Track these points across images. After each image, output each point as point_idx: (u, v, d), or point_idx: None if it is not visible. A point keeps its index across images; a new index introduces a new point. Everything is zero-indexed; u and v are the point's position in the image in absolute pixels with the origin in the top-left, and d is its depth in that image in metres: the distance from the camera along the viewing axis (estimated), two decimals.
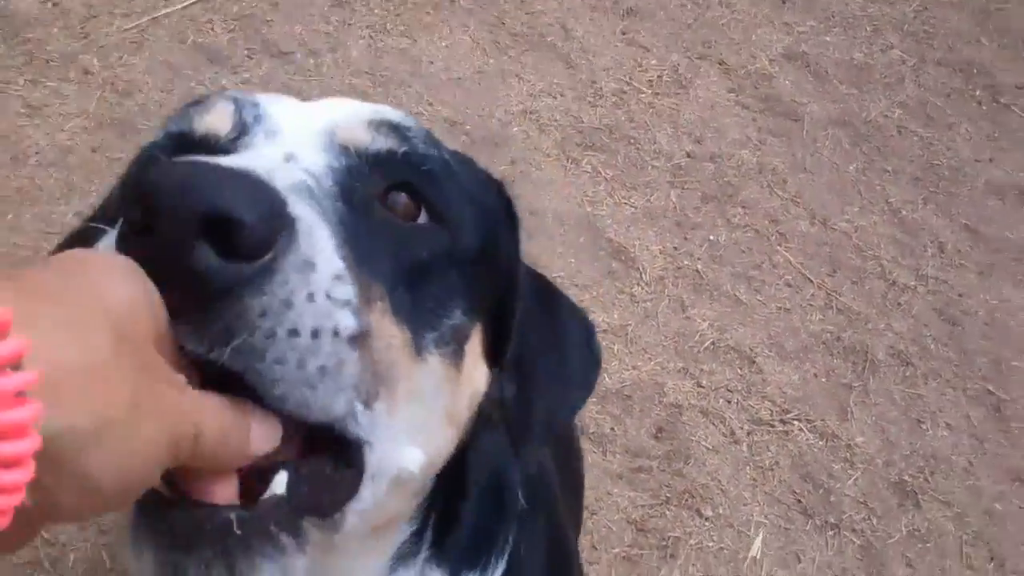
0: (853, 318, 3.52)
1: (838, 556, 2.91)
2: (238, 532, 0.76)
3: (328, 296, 0.77)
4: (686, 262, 3.57)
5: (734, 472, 3.06)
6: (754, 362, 3.32)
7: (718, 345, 3.35)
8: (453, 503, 1.24)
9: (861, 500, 3.04)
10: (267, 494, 0.80)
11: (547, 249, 3.50)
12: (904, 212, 3.89)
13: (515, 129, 3.85)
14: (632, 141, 3.91)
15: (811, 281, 3.62)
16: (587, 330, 1.36)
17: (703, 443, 3.10)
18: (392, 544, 1.15)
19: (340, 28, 3.99)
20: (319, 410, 0.79)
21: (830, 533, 2.95)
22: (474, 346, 1.07)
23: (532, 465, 1.24)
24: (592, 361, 1.33)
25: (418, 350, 0.94)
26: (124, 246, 0.72)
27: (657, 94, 4.11)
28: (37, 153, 3.35)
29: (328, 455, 0.87)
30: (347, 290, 0.80)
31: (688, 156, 3.92)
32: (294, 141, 0.96)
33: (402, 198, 1.00)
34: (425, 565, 1.22)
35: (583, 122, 3.93)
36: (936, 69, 4.51)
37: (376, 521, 1.01)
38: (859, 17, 4.68)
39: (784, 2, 4.66)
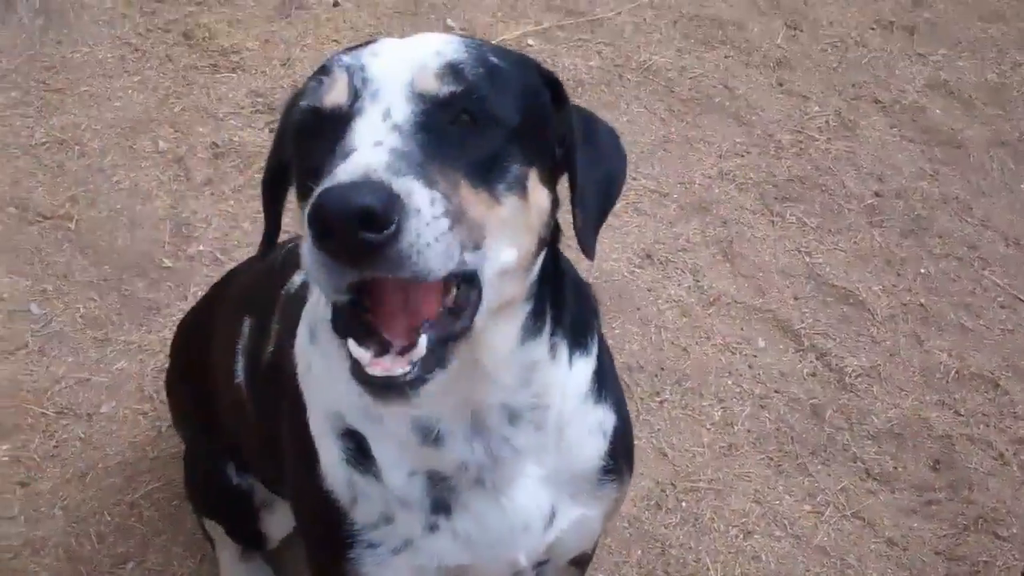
0: None
1: None
2: (407, 387, 1.35)
3: (432, 218, 1.28)
4: (908, 297, 3.81)
5: (1014, 492, 3.29)
6: (998, 385, 3.56)
7: (962, 373, 3.59)
8: (558, 289, 1.78)
9: None
10: (416, 354, 1.36)
11: (781, 302, 3.74)
12: None
13: (716, 191, 4.09)
14: (823, 188, 4.16)
15: (1021, 300, 3.87)
16: (614, 137, 1.80)
17: (979, 469, 3.33)
18: (517, 321, 1.65)
19: None
20: (444, 269, 1.31)
21: None
22: (533, 180, 1.52)
23: (592, 248, 1.68)
24: (620, 156, 1.80)
25: (496, 199, 1.44)
26: (317, 244, 1.26)
27: (830, 139, 4.36)
28: None
29: (461, 286, 1.43)
30: (439, 204, 1.30)
31: (876, 195, 4.17)
32: (389, 98, 1.42)
33: (465, 116, 1.44)
34: (552, 339, 1.75)
35: (775, 176, 4.18)
36: None
37: (499, 303, 1.53)
38: (982, 39, 4.96)
39: (912, 34, 4.93)
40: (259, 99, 4.19)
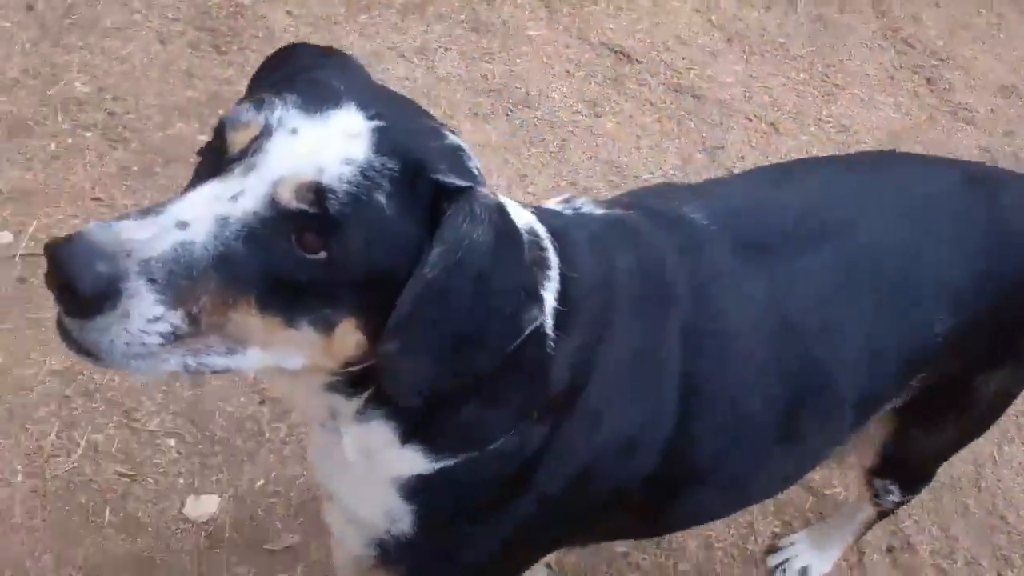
0: None
1: None
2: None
3: (138, 329, 1.26)
4: None
5: None
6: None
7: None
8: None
9: None
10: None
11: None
12: None
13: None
14: None
15: None
16: (516, 302, 1.45)
17: None
18: (318, 380, 1.57)
19: None
20: (146, 374, 1.35)
21: None
22: (348, 326, 1.41)
23: (405, 399, 1.52)
24: (511, 327, 1.44)
25: (291, 324, 1.38)
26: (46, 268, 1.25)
27: None
28: None
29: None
30: (163, 324, 1.27)
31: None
32: (254, 182, 1.33)
33: (309, 237, 1.33)
34: (364, 415, 1.62)
35: None
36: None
37: (284, 371, 1.48)
38: None
39: None
40: None
